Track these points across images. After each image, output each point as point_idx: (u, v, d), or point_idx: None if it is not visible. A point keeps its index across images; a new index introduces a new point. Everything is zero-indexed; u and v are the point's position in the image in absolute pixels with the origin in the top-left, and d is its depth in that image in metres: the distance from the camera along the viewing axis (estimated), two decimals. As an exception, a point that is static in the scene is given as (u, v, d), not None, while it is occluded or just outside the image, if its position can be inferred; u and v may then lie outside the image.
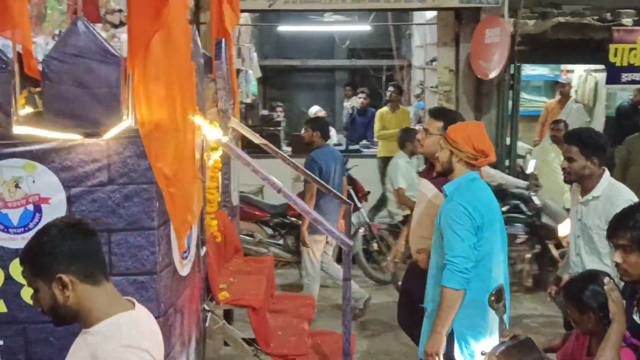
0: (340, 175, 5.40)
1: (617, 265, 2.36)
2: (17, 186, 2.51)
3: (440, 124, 3.50)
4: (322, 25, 11.61)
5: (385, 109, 8.44)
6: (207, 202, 3.35)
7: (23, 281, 2.53)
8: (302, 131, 5.66)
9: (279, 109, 10.99)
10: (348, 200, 4.62)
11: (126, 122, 2.52)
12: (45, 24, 6.94)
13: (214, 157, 3.35)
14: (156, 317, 2.09)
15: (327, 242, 5.24)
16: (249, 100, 10.37)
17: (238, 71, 9.88)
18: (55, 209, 2.53)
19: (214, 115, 4.10)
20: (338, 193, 4.66)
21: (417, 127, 7.39)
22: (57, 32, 7.43)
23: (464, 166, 3.13)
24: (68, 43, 2.47)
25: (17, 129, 2.49)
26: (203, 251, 3.30)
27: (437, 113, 3.71)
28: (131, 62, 2.46)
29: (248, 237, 6.16)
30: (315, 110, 9.71)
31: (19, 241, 2.54)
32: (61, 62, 2.46)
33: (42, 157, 2.50)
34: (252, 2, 7.91)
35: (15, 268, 2.56)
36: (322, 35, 13.18)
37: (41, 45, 7.83)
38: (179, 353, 2.88)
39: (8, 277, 2.56)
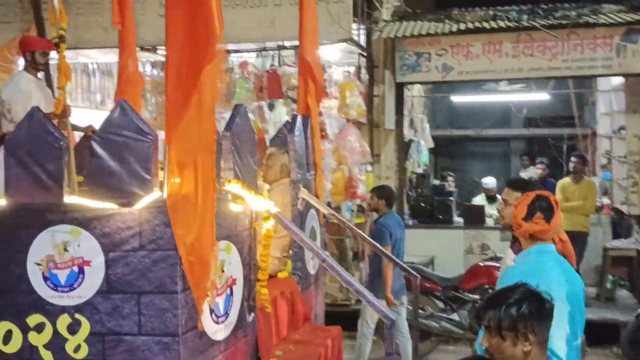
0: (404, 241, 5.54)
1: (485, 348, 2.19)
2: (65, 249, 2.82)
3: (519, 195, 3.41)
4: (498, 94, 11.52)
5: (567, 179, 8.05)
6: (260, 270, 3.48)
7: (68, 335, 2.83)
8: (368, 198, 5.86)
9: (450, 178, 10.98)
10: (414, 272, 4.53)
11: (156, 193, 2.75)
12: (234, 100, 7.82)
13: (266, 227, 3.50)
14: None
15: (401, 303, 5.36)
16: (420, 170, 10.54)
17: (410, 142, 10.15)
18: (96, 271, 2.80)
19: (285, 185, 4.28)
20: (401, 263, 4.61)
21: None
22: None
23: (521, 238, 3.05)
24: (111, 122, 2.79)
25: (67, 198, 2.83)
26: (251, 317, 3.41)
27: (516, 184, 3.66)
28: (168, 136, 2.72)
29: (420, 310, 5.98)
30: (489, 181, 9.58)
31: (65, 299, 2.84)
32: (104, 139, 2.78)
33: (86, 223, 2.80)
34: (426, 74, 8.31)
35: (62, 323, 2.85)
36: (497, 104, 13.00)
37: (227, 119, 8.67)
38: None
39: (55, 332, 2.85)
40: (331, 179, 7.68)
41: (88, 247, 2.80)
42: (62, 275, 2.83)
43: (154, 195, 2.76)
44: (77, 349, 2.82)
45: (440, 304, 6.23)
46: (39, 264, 2.84)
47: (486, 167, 13.58)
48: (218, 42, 2.69)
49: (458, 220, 8.80)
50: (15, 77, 5.08)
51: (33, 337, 2.85)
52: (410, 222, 8.72)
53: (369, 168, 8.28)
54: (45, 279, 2.84)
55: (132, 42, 4.94)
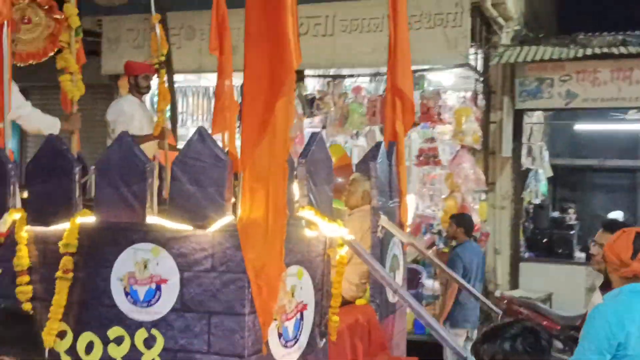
0: (482, 272, 5.45)
1: None
2: (145, 267, 2.98)
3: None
4: (625, 123, 11.03)
5: None
6: (332, 296, 3.51)
7: (144, 349, 2.97)
8: (447, 226, 5.72)
9: (571, 210, 10.56)
10: (491, 305, 4.37)
11: (229, 217, 2.86)
12: (347, 125, 8.11)
13: (340, 253, 3.52)
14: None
15: (467, 337, 5.14)
16: (537, 201, 10.21)
17: (527, 170, 9.90)
18: (171, 289, 2.94)
19: (365, 212, 4.30)
20: (478, 293, 4.47)
21: None
22: (354, 132, 8.49)
23: (620, 277, 2.93)
24: (190, 148, 2.93)
25: (149, 218, 2.99)
26: (322, 343, 3.44)
27: (609, 225, 3.54)
28: (243, 162, 2.83)
29: None
30: (616, 215, 9.19)
31: (143, 314, 2.99)
32: (183, 163, 2.93)
33: (165, 243, 2.95)
34: (547, 101, 8.26)
35: (139, 337, 3.01)
36: (623, 133, 12.25)
37: (341, 143, 9.03)
38: None
39: (133, 345, 3.00)
40: (443, 206, 7.59)
41: (166, 265, 2.94)
42: (142, 291, 2.99)
43: (227, 219, 2.86)
44: (153, 362, 2.96)
45: (559, 344, 5.92)
46: (121, 280, 3.02)
47: (610, 199, 12.83)
48: (293, 73, 2.77)
49: (579, 255, 8.42)
50: (120, 100, 5.43)
51: (112, 349, 3.02)
52: (526, 255, 8.46)
53: (483, 197, 8.13)
54: (126, 294, 3.01)
55: (229, 68, 5.14)
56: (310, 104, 8.53)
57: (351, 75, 8.59)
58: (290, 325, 3.12)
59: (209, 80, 9.85)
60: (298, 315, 3.19)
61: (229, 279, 2.84)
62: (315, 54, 7.99)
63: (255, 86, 2.78)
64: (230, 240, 2.83)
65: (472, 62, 7.97)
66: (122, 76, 7.61)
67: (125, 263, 3.00)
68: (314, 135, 3.43)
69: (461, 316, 5.60)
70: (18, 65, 5.52)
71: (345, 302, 4.30)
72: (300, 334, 3.21)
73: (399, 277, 4.70)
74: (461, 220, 5.83)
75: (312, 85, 8.98)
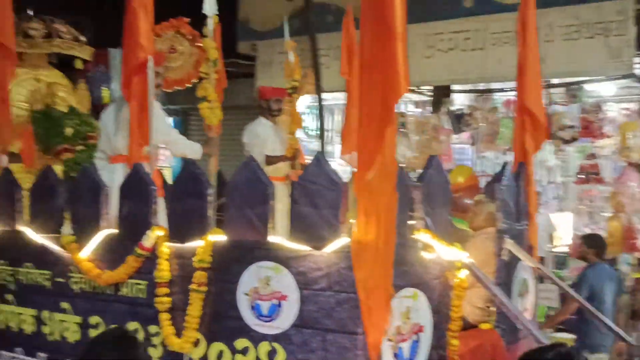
0: (614, 296, 5.21)
1: None
2: (268, 283, 3.19)
3: None
4: None
5: None
6: (452, 320, 3.51)
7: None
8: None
9: None
10: (623, 334, 4.09)
11: (344, 239, 2.98)
12: (498, 140, 8.17)
13: (459, 276, 3.51)
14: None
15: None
16: None
17: None
18: (291, 306, 3.11)
19: (489, 234, 4.24)
20: (608, 321, 4.20)
21: None
22: (506, 147, 8.48)
23: None
24: (308, 172, 3.10)
25: (271, 238, 3.20)
26: (440, 365, 3.45)
27: None
28: (357, 187, 2.94)
29: None
30: None
31: (266, 328, 3.19)
32: (301, 187, 3.10)
33: (286, 262, 3.13)
34: None
35: (263, 349, 3.20)
36: None
37: (491, 159, 9.12)
38: None
39: (257, 356, 3.20)
40: (605, 227, 7.23)
41: (286, 283, 3.12)
42: (265, 306, 3.19)
43: (342, 240, 2.99)
44: (275, 374, 3.15)
45: None
46: (247, 295, 3.24)
47: None
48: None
49: None
50: (254, 124, 5.77)
51: (239, 358, 3.25)
52: None
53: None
54: (251, 308, 3.22)
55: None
56: (458, 119, 8.47)
57: (500, 90, 8.47)
58: (405, 346, 3.18)
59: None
60: (414, 337, 3.24)
61: (343, 299, 2.96)
62: (464, 69, 8.03)
63: (367, 112, 2.89)
64: (344, 261, 2.96)
65: (638, 72, 7.54)
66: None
67: (250, 279, 3.22)
68: (431, 159, 3.47)
69: (599, 340, 5.37)
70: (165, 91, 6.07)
71: (470, 326, 4.27)
72: (416, 356, 3.25)
73: (529, 301, 4.57)
74: (592, 241, 5.64)
75: (459, 101, 8.95)
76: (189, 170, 3.50)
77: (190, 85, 6.07)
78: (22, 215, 4.24)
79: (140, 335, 3.57)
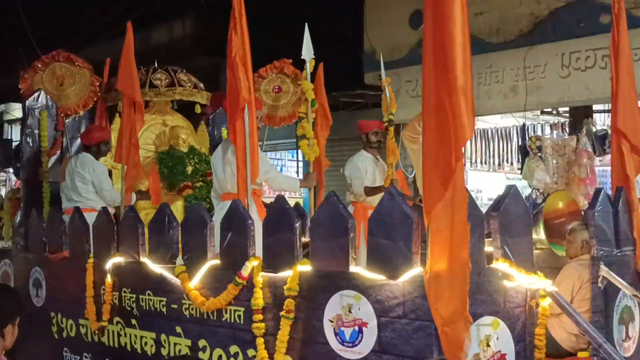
0: None
1: None
2: (350, 311, 3.38)
3: None
4: None
5: None
6: (536, 347, 3.50)
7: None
8: None
9: None
10: None
11: (417, 269, 3.12)
12: None
13: (543, 304, 3.50)
14: None
15: None
16: None
17: None
18: (371, 332, 3.28)
19: (584, 262, 4.16)
20: None
21: None
22: None
23: None
24: (382, 206, 3.28)
25: (352, 268, 3.40)
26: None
27: None
28: (428, 217, 3.08)
29: None
30: None
31: (349, 353, 3.38)
32: (377, 220, 3.28)
33: (364, 290, 3.32)
34: None
35: (348, 373, 3.39)
36: None
37: (638, 182, 8.97)
38: None
39: (342, 379, 3.40)
40: None
41: (366, 310, 3.31)
42: (347, 332, 3.39)
43: (416, 270, 3.13)
44: (356, 398, 3.33)
45: None
46: (331, 321, 3.46)
47: None
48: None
49: None
50: (355, 156, 6.02)
51: (326, 381, 3.47)
52: None
53: None
54: (336, 334, 3.44)
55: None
56: (602, 141, 8.22)
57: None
58: (486, 374, 3.24)
59: (486, 122, 10.37)
60: (496, 365, 3.29)
61: (418, 326, 3.10)
62: (603, 87, 7.79)
63: (435, 148, 3.02)
64: (418, 290, 3.10)
65: None
66: (403, 126, 8.25)
67: (334, 306, 3.44)
68: (508, 189, 3.53)
69: None
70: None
71: (567, 354, 4.20)
72: (497, 383, 3.30)
73: (634, 329, 4.40)
74: None
75: (601, 121, 8.87)
76: (279, 205, 3.80)
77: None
78: (144, 247, 4.74)
79: (240, 359, 3.90)
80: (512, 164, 10.73)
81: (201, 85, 7.03)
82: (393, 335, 3.20)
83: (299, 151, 12.77)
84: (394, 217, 3.22)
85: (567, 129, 8.99)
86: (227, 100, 4.39)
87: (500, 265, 3.35)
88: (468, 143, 10.65)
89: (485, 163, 10.89)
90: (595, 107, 8.63)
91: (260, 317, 3.77)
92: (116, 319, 4.87)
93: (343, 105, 12.17)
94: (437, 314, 2.99)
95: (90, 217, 5.29)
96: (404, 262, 3.17)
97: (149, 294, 4.62)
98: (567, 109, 8.91)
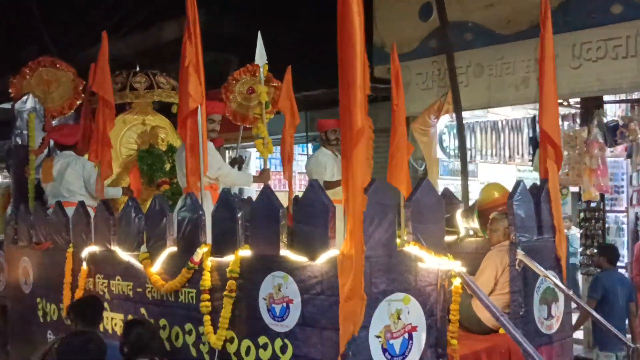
0: (626, 300, 5.88)
1: None
2: (279, 289, 3.83)
3: None
4: None
5: None
6: (450, 322, 3.94)
7: (280, 354, 3.81)
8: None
9: None
10: (620, 336, 4.24)
11: (333, 251, 3.57)
12: None
13: (455, 284, 3.94)
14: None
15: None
16: None
17: None
18: (296, 308, 3.72)
19: (505, 247, 4.60)
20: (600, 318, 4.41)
21: None
22: None
23: None
24: (305, 197, 3.73)
25: (282, 252, 3.85)
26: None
27: None
28: (345, 207, 3.53)
29: None
30: None
31: (279, 327, 3.82)
32: (301, 209, 3.73)
33: (291, 271, 3.76)
34: None
35: (277, 345, 3.85)
36: None
37: None
38: None
39: (274, 351, 3.85)
40: None
41: (292, 289, 3.76)
42: (277, 309, 3.84)
43: (332, 252, 3.58)
44: (285, 365, 3.79)
45: None
46: (265, 299, 3.91)
47: None
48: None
49: None
50: (315, 153, 6.47)
51: (261, 352, 3.92)
52: None
53: None
54: (268, 310, 3.89)
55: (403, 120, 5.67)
56: (613, 131, 8.12)
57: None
58: (396, 343, 3.68)
59: (497, 114, 10.27)
60: (405, 335, 3.73)
61: (334, 301, 3.53)
62: (615, 78, 7.83)
63: (345, 139, 3.47)
64: (333, 270, 3.54)
65: None
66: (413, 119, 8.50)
67: (267, 286, 3.89)
68: (420, 182, 3.97)
69: (607, 339, 5.75)
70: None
71: (490, 331, 4.65)
72: (409, 352, 3.73)
73: (557, 309, 4.82)
74: (605, 250, 6.46)
75: (612, 112, 8.64)
76: (224, 198, 4.26)
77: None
78: (115, 237, 5.21)
79: (193, 335, 4.36)
80: (522, 155, 10.50)
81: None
82: (314, 310, 3.65)
83: (309, 145, 13.03)
84: (314, 207, 3.67)
85: (578, 120, 8.77)
86: (179, 103, 4.86)
87: (411, 248, 3.79)
88: (478, 135, 10.58)
89: (496, 155, 10.70)
90: (606, 97, 8.47)
91: (207, 297, 4.23)
92: (91, 302, 5.35)
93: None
94: (342, 290, 3.44)
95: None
96: (322, 245, 3.62)
97: (118, 279, 5.10)
98: (578, 100, 8.69)
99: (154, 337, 4.30)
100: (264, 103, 5.27)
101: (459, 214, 5.49)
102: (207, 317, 4.20)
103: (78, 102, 7.31)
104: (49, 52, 9.85)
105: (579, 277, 9.01)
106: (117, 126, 7.11)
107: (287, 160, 6.14)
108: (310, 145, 13.22)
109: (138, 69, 7.46)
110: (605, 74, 7.92)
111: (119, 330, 5.05)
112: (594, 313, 4.83)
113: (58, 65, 7.27)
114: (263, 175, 5.44)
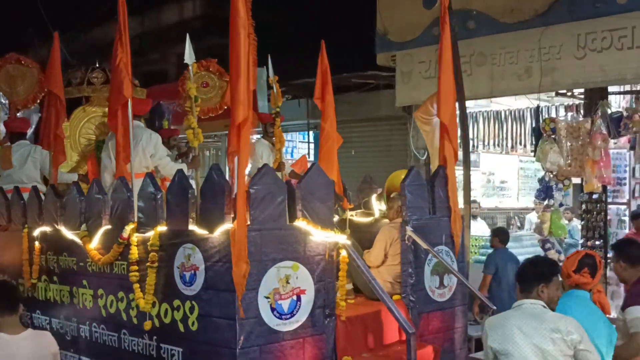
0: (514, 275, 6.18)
1: None
2: (189, 259, 4.47)
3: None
4: None
5: None
6: (339, 287, 4.58)
7: (189, 314, 4.44)
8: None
9: None
10: (483, 298, 4.88)
11: (228, 225, 4.20)
12: None
13: (342, 254, 4.57)
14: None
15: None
16: None
17: None
18: (201, 274, 4.36)
19: (397, 224, 5.23)
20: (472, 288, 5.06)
21: None
22: None
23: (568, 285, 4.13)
24: (208, 181, 4.36)
25: (190, 226, 4.48)
26: (328, 321, 4.52)
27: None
28: (237, 190, 4.17)
29: None
30: None
31: (188, 291, 4.46)
32: (206, 189, 4.37)
33: (197, 243, 4.40)
34: None
35: (187, 306, 4.48)
36: None
37: None
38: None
39: (184, 311, 4.49)
40: None
41: (198, 258, 4.39)
42: (187, 275, 4.48)
43: (227, 225, 4.22)
44: (193, 323, 4.42)
45: None
46: (178, 268, 4.55)
47: None
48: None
49: None
50: (255, 143, 7.11)
51: (176, 313, 4.56)
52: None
53: None
54: (181, 277, 4.53)
55: (332, 113, 6.29)
56: (617, 123, 8.08)
57: None
58: (285, 303, 4.32)
59: (500, 104, 10.24)
60: (294, 297, 4.37)
61: (228, 268, 4.17)
62: (619, 69, 7.81)
63: (231, 130, 4.10)
64: (227, 241, 4.18)
65: None
66: (416, 107, 8.32)
67: (180, 256, 4.53)
68: (310, 167, 4.60)
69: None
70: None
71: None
72: (297, 311, 4.38)
73: (450, 280, 5.47)
74: (497, 232, 7.50)
75: (617, 103, 8.59)
76: (146, 182, 4.89)
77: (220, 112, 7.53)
78: (62, 218, 5.83)
79: (125, 302, 5.00)
80: (525, 146, 10.48)
81: (136, 82, 8.09)
82: (214, 275, 4.29)
83: (310, 132, 13.25)
84: (214, 187, 4.31)
85: (582, 111, 8.71)
86: (110, 97, 5.50)
87: (300, 223, 4.43)
88: (481, 125, 10.51)
89: (499, 145, 10.65)
90: (610, 88, 8.43)
91: (135, 267, 4.86)
92: (43, 277, 5.98)
93: (354, 86, 11.96)
94: (233, 258, 4.08)
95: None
96: (219, 220, 4.26)
97: (65, 255, 5.73)
98: (582, 90, 8.67)
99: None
100: (193, 98, 5.87)
101: (373, 198, 6.13)
102: (136, 285, 4.83)
103: (41, 95, 7.89)
104: (48, 34, 10.12)
105: None
106: (77, 117, 7.77)
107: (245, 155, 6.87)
108: (311, 132, 13.19)
109: (97, 65, 8.05)
110: (610, 65, 7.89)
111: (66, 300, 5.69)
112: (468, 283, 5.46)
113: (23, 62, 7.85)
114: (194, 162, 6.07)
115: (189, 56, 5.76)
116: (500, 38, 8.84)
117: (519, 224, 12.01)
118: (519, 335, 3.50)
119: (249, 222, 4.16)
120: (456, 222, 5.52)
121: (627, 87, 8.62)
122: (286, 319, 4.34)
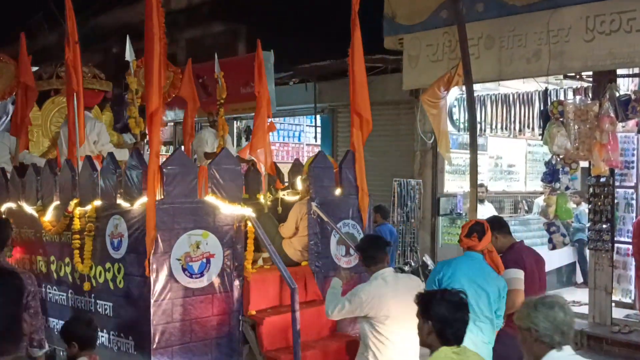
0: (394, 247, 7.63)
1: None
2: (117, 228, 5.29)
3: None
4: None
5: None
6: (247, 252, 5.40)
7: (117, 274, 5.28)
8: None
9: None
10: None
11: (144, 198, 5.02)
12: None
13: (249, 226, 5.38)
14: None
15: None
16: None
17: None
18: (125, 241, 5.19)
19: (305, 201, 6.04)
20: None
21: None
22: None
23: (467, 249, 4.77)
24: (131, 160, 5.18)
25: (118, 200, 5.31)
26: (237, 281, 5.34)
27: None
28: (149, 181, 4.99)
29: None
30: None
31: (117, 255, 5.29)
32: (129, 168, 5.19)
33: (123, 214, 5.23)
34: None
35: (116, 267, 5.32)
36: None
37: None
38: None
39: (113, 272, 5.33)
40: None
41: (123, 227, 5.22)
42: (115, 242, 5.30)
43: (143, 199, 5.04)
44: (120, 281, 5.26)
45: None
46: (109, 236, 5.38)
47: None
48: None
49: None
50: (202, 131, 7.94)
51: (107, 274, 5.40)
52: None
53: None
54: (111, 243, 5.35)
55: (267, 106, 7.03)
56: (625, 106, 7.89)
57: None
58: (195, 265, 5.14)
59: (508, 87, 10.10)
60: (204, 260, 5.19)
61: (144, 234, 5.00)
62: (628, 52, 7.67)
63: (148, 119, 4.92)
64: (144, 212, 5.00)
65: None
66: (423, 91, 8.72)
67: (111, 226, 5.36)
68: (221, 151, 5.41)
69: None
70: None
71: (295, 264, 6.10)
72: (206, 272, 5.19)
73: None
74: (378, 208, 8.24)
75: (625, 86, 8.47)
76: (86, 164, 5.72)
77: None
78: (23, 195, 6.67)
79: (70, 266, 5.84)
80: (533, 130, 10.20)
81: (102, 75, 8.92)
82: (134, 241, 5.12)
83: (317, 117, 13.10)
84: (136, 167, 5.13)
85: (590, 94, 8.42)
86: (66, 91, 6.32)
87: (209, 198, 5.24)
88: (489, 108, 10.19)
89: (506, 129, 10.41)
90: (619, 71, 8.21)
91: (77, 236, 5.69)
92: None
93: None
94: (147, 226, 4.90)
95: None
96: (138, 194, 5.09)
97: (25, 228, 6.58)
98: (590, 73, 8.42)
99: (96, 330, 4.39)
100: (134, 90, 6.68)
101: (298, 179, 6.92)
102: (76, 252, 5.67)
103: (17, 89, 8.73)
104: (54, 19, 10.46)
105: (587, 252, 9.00)
106: (47, 108, 8.62)
107: (188, 139, 7.69)
108: (318, 116, 13.08)
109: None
110: (619, 48, 7.75)
111: (27, 267, 6.55)
112: (353, 247, 6.21)
113: (2, 59, 8.69)
114: (137, 146, 6.92)
115: (129, 54, 6.58)
116: (508, 21, 8.65)
117: (526, 208, 11.97)
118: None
119: (162, 197, 4.98)
120: (364, 200, 6.32)
121: (636, 70, 8.46)
122: (196, 277, 5.16)
